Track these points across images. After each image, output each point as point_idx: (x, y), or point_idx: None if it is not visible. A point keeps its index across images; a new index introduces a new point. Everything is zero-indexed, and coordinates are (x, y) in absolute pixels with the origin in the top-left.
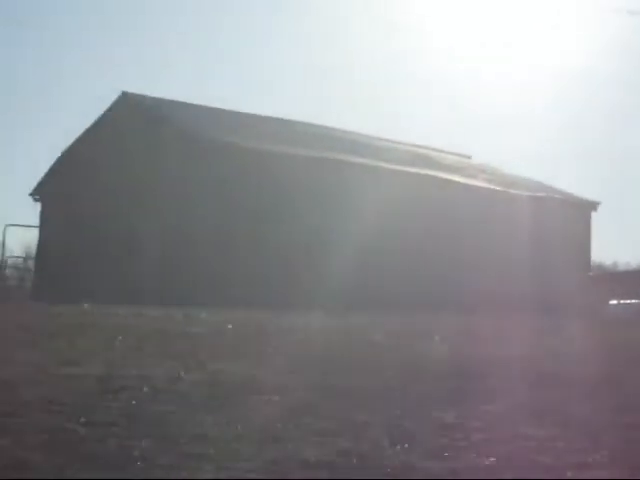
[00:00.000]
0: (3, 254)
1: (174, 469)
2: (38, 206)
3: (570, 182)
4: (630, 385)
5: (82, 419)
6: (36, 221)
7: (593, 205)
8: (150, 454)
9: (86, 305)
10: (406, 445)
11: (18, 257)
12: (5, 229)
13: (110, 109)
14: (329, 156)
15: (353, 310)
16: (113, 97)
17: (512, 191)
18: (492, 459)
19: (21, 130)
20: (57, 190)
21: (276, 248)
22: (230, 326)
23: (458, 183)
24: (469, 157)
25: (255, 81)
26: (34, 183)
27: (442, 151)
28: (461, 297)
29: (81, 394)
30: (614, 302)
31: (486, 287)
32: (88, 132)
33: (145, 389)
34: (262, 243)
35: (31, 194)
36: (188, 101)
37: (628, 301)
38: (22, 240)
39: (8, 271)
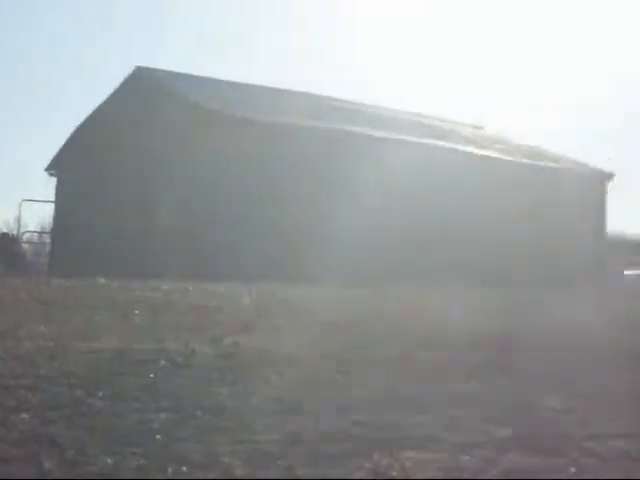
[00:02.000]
0: (19, 229)
1: (192, 442)
2: (53, 181)
3: (585, 153)
4: None
5: (100, 393)
6: (52, 196)
7: (609, 175)
8: (168, 427)
9: (102, 279)
10: (424, 417)
11: (34, 232)
12: (21, 204)
13: (124, 84)
14: (350, 129)
15: (367, 285)
16: (127, 72)
17: (526, 161)
18: (509, 430)
19: (36, 106)
20: (72, 165)
21: (285, 222)
22: (248, 300)
23: (472, 154)
24: (482, 128)
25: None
26: (49, 159)
27: (454, 122)
28: (475, 271)
29: (99, 368)
30: (630, 272)
31: (501, 260)
32: (102, 107)
33: (162, 362)
34: (273, 216)
35: (46, 169)
36: (201, 75)
37: None
38: (38, 215)
39: (24, 246)
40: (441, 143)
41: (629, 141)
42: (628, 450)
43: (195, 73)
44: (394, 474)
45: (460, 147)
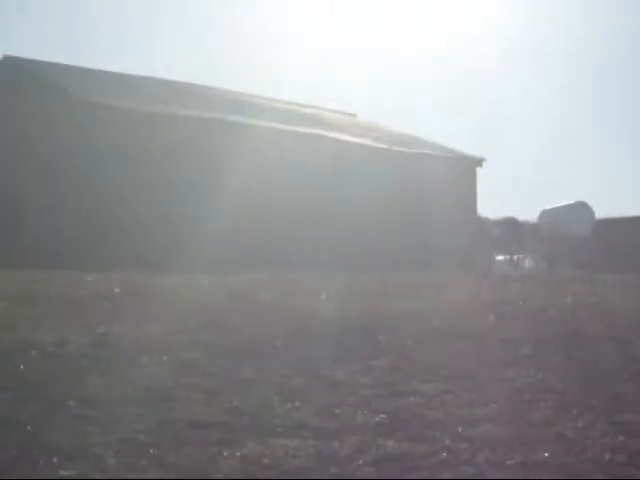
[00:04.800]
0: None
1: (63, 432)
2: None
3: (455, 139)
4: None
5: None
6: None
7: (478, 161)
8: (39, 418)
9: None
10: (297, 403)
11: None
12: None
13: None
14: (215, 116)
15: (237, 271)
16: None
17: (399, 149)
18: (382, 415)
19: None
20: None
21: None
22: (117, 290)
23: (346, 142)
24: (354, 115)
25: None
26: None
27: (329, 110)
28: (347, 256)
29: None
30: (500, 258)
31: (373, 246)
32: None
33: (33, 353)
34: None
35: None
36: (71, 64)
37: (514, 257)
38: None
39: None
40: (316, 131)
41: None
42: (497, 434)
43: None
44: (265, 462)
45: (334, 135)
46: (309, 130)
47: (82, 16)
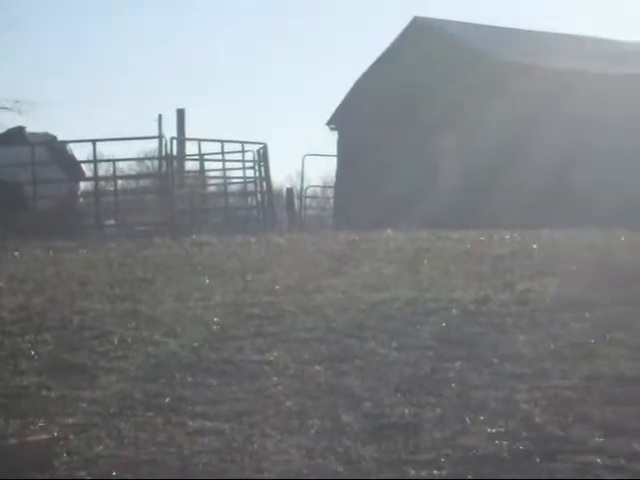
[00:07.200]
0: (302, 184)
1: (489, 389)
2: (335, 135)
3: None
4: None
5: (393, 343)
6: (333, 150)
7: None
8: (463, 375)
9: (389, 231)
10: None
11: (317, 186)
12: (304, 159)
13: (402, 34)
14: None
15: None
16: (405, 23)
17: None
18: None
19: (317, 62)
20: (353, 119)
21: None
22: (534, 246)
23: None
24: None
25: None
26: (330, 113)
27: None
28: None
29: (390, 318)
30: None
31: None
32: (381, 59)
33: (454, 311)
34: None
35: (327, 123)
36: (477, 22)
37: None
38: (321, 169)
39: (308, 200)
40: None
41: None
42: None
43: (468, 21)
44: None
45: None
46: None
47: None
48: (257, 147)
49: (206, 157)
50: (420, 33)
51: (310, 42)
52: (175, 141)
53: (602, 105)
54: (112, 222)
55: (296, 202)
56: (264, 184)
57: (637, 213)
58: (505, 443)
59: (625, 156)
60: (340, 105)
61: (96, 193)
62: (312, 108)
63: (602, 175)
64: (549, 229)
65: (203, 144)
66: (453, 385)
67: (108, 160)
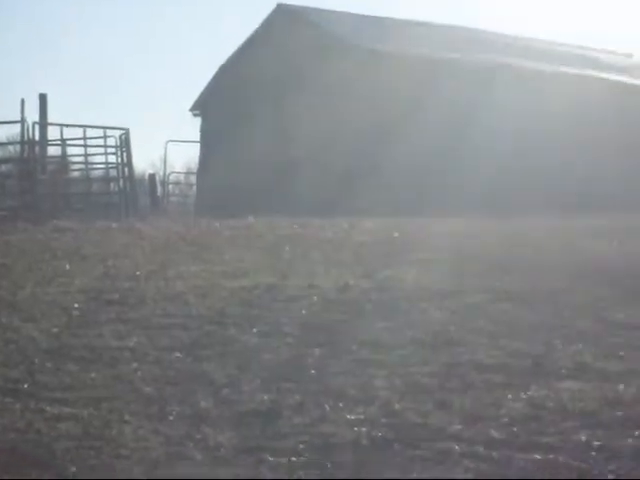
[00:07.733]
0: (165, 170)
1: (348, 376)
2: (198, 121)
3: None
4: None
5: (254, 330)
6: (196, 137)
7: None
8: (323, 362)
9: (251, 218)
10: (580, 345)
11: (180, 172)
12: (167, 145)
13: (266, 22)
14: (503, 62)
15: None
16: (269, 10)
17: None
18: None
19: (180, 48)
20: (216, 105)
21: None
22: (396, 234)
23: (627, 84)
24: (632, 56)
25: None
26: (193, 99)
27: (603, 51)
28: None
29: (251, 305)
30: None
31: None
32: (245, 46)
33: (315, 298)
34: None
35: (191, 109)
36: (343, 10)
37: None
38: (184, 156)
39: (171, 187)
40: (597, 73)
41: None
42: None
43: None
44: (550, 405)
45: (613, 77)
46: (589, 72)
47: None
48: (119, 133)
49: (68, 142)
50: (284, 20)
51: (177, 25)
52: (37, 126)
53: (475, 96)
54: None
55: (159, 188)
56: (126, 170)
57: (507, 203)
58: (364, 430)
59: (498, 147)
60: (204, 91)
61: None
62: (179, 94)
63: (475, 164)
64: (420, 218)
65: (65, 129)
66: (312, 372)
67: None
